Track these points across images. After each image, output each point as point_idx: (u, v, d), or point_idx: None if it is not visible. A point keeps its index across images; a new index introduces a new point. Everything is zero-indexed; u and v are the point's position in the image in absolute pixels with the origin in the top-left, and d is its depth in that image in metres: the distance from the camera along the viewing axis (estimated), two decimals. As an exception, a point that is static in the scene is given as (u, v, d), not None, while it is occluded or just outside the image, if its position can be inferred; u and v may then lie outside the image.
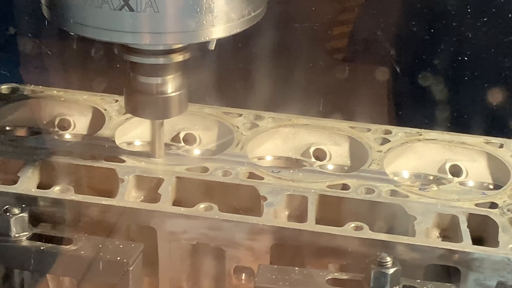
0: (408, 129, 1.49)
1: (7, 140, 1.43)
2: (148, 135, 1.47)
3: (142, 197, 1.36)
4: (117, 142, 1.44)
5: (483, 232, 1.28)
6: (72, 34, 1.27)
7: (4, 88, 1.57)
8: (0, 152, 1.39)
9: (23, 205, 1.26)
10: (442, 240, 1.28)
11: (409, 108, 1.77)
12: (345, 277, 1.19)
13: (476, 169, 1.44)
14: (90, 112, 1.53)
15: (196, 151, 1.48)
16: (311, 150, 1.47)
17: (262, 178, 1.35)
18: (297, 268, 1.21)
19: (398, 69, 1.75)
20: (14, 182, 1.33)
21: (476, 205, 1.32)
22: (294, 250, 1.27)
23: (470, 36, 1.68)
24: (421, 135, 1.48)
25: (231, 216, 1.27)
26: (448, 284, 1.20)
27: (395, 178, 1.40)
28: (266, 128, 1.49)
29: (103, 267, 1.21)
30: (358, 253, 1.23)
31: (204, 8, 1.21)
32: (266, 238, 1.26)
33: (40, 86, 1.58)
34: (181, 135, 1.49)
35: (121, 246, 1.23)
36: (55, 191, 1.31)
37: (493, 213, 1.29)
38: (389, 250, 1.20)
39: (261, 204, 1.30)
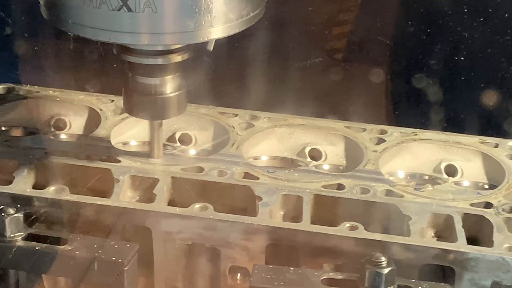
0: (403, 129, 1.49)
1: (2, 140, 1.43)
2: (144, 135, 1.48)
3: (138, 197, 1.36)
4: (113, 142, 1.44)
5: (478, 232, 1.29)
6: (70, 34, 1.27)
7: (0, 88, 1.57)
8: (-5, 153, 1.40)
9: (18, 205, 1.25)
10: (437, 240, 1.28)
11: (406, 108, 1.77)
12: (340, 277, 1.19)
13: (471, 169, 1.44)
14: (86, 112, 1.53)
15: (192, 151, 1.48)
16: (307, 150, 1.47)
17: (258, 178, 1.36)
18: (292, 268, 1.20)
19: (393, 69, 1.75)
20: (9, 182, 1.33)
21: (471, 205, 1.32)
22: (289, 250, 1.27)
23: (466, 36, 1.68)
24: (416, 135, 1.48)
25: (226, 216, 1.27)
26: (443, 284, 1.20)
27: (391, 178, 1.40)
28: (261, 128, 1.49)
29: (98, 267, 1.21)
30: (353, 253, 1.23)
31: (202, 8, 1.21)
32: (261, 238, 1.26)
33: (36, 86, 1.57)
34: (177, 135, 1.49)
35: (116, 246, 1.23)
36: (50, 191, 1.31)
37: (488, 213, 1.30)
38: (384, 250, 1.20)
39: (256, 204, 1.30)
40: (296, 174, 1.38)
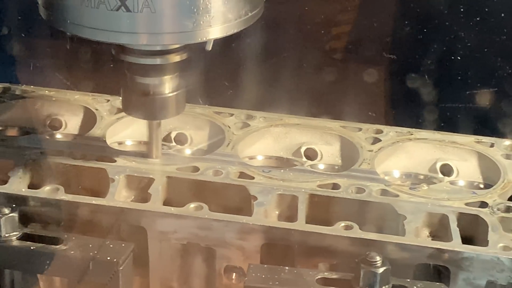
0: (399, 129, 1.49)
1: (-2, 139, 1.44)
2: (139, 134, 1.48)
3: (133, 196, 1.36)
4: (108, 142, 1.44)
5: (473, 231, 1.29)
6: (69, 34, 1.27)
7: (-4, 87, 1.57)
8: (-10, 152, 1.40)
9: (14, 205, 1.26)
10: (432, 240, 1.28)
11: (402, 108, 1.77)
12: (335, 276, 1.19)
13: (466, 169, 1.44)
14: (82, 112, 1.53)
15: (187, 150, 1.48)
16: (302, 149, 1.47)
17: (253, 178, 1.36)
18: (287, 268, 1.21)
19: (390, 69, 1.75)
20: (5, 182, 1.33)
21: (466, 204, 1.32)
22: (284, 249, 1.27)
23: (463, 35, 1.68)
24: (412, 134, 1.48)
25: (221, 215, 1.27)
26: (437, 283, 1.20)
27: (386, 178, 1.40)
28: (257, 128, 1.49)
29: (93, 266, 1.21)
30: (348, 253, 1.23)
31: (201, 8, 1.21)
32: (256, 238, 1.26)
33: (32, 86, 1.57)
34: (173, 135, 1.49)
35: (111, 246, 1.23)
36: (45, 191, 1.31)
37: (483, 212, 1.30)
38: (379, 249, 1.20)
39: (252, 204, 1.30)
40: (292, 173, 1.38)
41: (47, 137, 1.47)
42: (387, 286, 1.16)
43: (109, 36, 1.22)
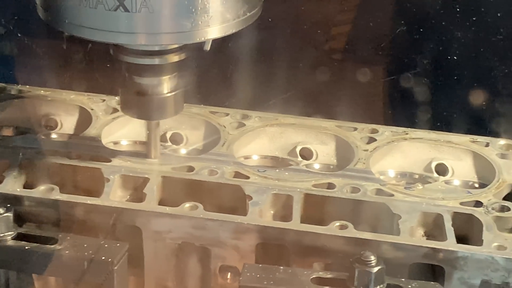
0: (394, 128, 1.50)
1: (-7, 139, 1.43)
2: (135, 134, 1.48)
3: (128, 196, 1.36)
4: (104, 141, 1.44)
5: (468, 230, 1.29)
6: (67, 34, 1.27)
7: (-9, 87, 1.57)
8: (-14, 152, 1.40)
9: (8, 205, 1.25)
10: (426, 239, 1.28)
11: (398, 108, 1.77)
12: (329, 276, 1.19)
13: (462, 168, 1.44)
14: (77, 112, 1.53)
15: (183, 150, 1.48)
16: (298, 149, 1.47)
17: (248, 177, 1.36)
18: (281, 267, 1.21)
19: (385, 69, 1.75)
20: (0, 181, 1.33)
21: (461, 203, 1.32)
22: (279, 249, 1.27)
23: (459, 35, 1.68)
24: (407, 134, 1.48)
25: (216, 215, 1.27)
26: (432, 282, 1.20)
27: (381, 177, 1.40)
28: (252, 128, 1.49)
29: (88, 266, 1.21)
30: (342, 252, 1.23)
31: (199, 8, 1.21)
32: (251, 237, 1.26)
33: (27, 86, 1.57)
34: (168, 135, 1.49)
35: (106, 245, 1.23)
36: (40, 191, 1.31)
37: (478, 212, 1.30)
38: (373, 249, 1.20)
39: (247, 203, 1.30)
40: (287, 173, 1.38)
41: (43, 137, 1.47)
42: (381, 286, 1.16)
43: (107, 36, 1.22)
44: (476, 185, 1.42)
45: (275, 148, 1.49)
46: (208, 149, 1.44)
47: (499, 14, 1.65)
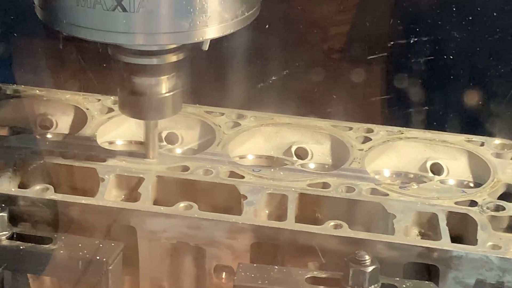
0: (389, 128, 1.50)
1: (-12, 139, 1.43)
2: (130, 134, 1.48)
3: (123, 196, 1.36)
4: (99, 141, 1.44)
5: (462, 230, 1.29)
6: (64, 34, 1.27)
7: (-14, 87, 1.57)
8: (-19, 152, 1.40)
9: (3, 205, 1.25)
10: (421, 238, 1.28)
11: (394, 107, 1.77)
12: (324, 275, 1.20)
13: (456, 167, 1.44)
14: (72, 112, 1.53)
15: (178, 150, 1.48)
16: (293, 148, 1.47)
17: (243, 177, 1.36)
18: (276, 267, 1.21)
19: (381, 68, 1.75)
20: (-5, 181, 1.34)
21: (456, 203, 1.32)
22: (274, 248, 1.27)
23: (455, 35, 1.68)
24: (402, 133, 1.49)
25: (210, 215, 1.27)
26: (427, 282, 1.20)
27: (376, 177, 1.40)
28: (248, 127, 1.49)
29: (82, 266, 1.21)
30: (337, 252, 1.23)
31: (197, 8, 1.21)
32: (246, 237, 1.26)
33: (22, 86, 1.57)
34: (163, 134, 1.49)
35: (100, 245, 1.23)
36: (35, 191, 1.31)
37: (473, 211, 1.30)
38: (368, 248, 1.20)
39: (241, 203, 1.30)
40: (282, 173, 1.38)
41: (38, 137, 1.47)
42: (376, 285, 1.16)
43: (105, 36, 1.22)
44: (471, 185, 1.42)
45: (270, 147, 1.49)
46: (203, 149, 1.44)
47: (495, 14, 1.66)
